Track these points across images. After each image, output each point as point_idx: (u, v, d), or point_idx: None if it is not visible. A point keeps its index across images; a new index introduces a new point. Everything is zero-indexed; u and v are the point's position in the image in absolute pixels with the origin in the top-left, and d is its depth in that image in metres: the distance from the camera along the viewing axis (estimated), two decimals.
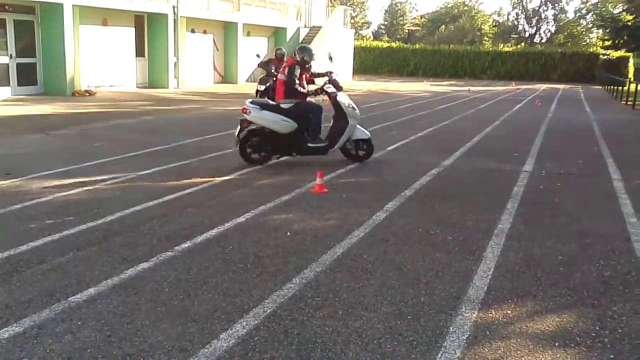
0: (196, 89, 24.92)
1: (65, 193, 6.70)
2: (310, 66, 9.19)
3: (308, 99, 8.91)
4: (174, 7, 24.02)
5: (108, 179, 7.42)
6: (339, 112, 8.73)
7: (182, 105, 18.10)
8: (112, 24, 22.30)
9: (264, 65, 15.75)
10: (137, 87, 23.77)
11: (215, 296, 3.98)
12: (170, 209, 6.11)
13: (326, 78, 8.97)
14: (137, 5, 22.42)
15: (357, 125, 8.81)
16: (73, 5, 19.34)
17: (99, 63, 21.73)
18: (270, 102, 8.79)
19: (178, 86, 24.96)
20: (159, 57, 24.48)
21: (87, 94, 19.82)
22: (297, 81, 8.69)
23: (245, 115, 8.40)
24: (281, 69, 9.08)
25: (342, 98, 8.78)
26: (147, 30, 24.44)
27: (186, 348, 3.30)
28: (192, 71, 26.91)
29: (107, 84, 22.10)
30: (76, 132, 11.59)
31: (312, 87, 9.07)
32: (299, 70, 8.77)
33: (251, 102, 8.55)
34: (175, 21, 24.27)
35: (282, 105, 8.56)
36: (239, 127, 8.54)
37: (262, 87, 15.36)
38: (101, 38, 21.81)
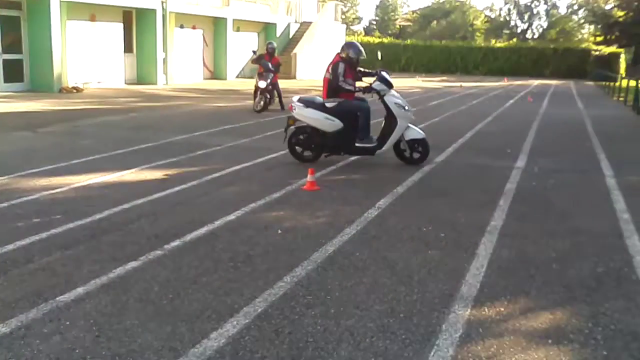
0: (185, 85, 24.82)
1: (53, 191, 6.62)
2: (358, 63, 8.74)
3: (356, 95, 8.59)
4: (162, 2, 23.88)
5: (96, 177, 7.35)
6: (389, 111, 8.36)
7: (171, 101, 18.00)
8: (100, 20, 22.14)
9: (257, 61, 15.52)
10: (125, 83, 23.64)
11: (205, 295, 3.93)
12: (159, 207, 6.05)
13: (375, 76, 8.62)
14: (125, 0, 22.27)
15: (410, 125, 8.45)
16: (60, 1, 19.18)
17: (87, 59, 21.57)
18: (318, 99, 8.58)
19: (167, 82, 24.83)
20: (147, 53, 24.33)
21: (74, 91, 19.66)
22: (342, 78, 8.30)
23: (292, 112, 8.45)
24: (327, 67, 8.68)
25: (391, 97, 8.39)
26: (136, 26, 24.29)
27: (176, 348, 3.25)
28: (181, 67, 26.77)
29: (95, 80, 21.95)
30: (64, 130, 11.49)
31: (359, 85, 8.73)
32: (343, 68, 8.36)
33: (298, 100, 8.50)
34: (164, 16, 24.13)
35: (327, 104, 8.39)
36: (286, 124, 8.62)
37: (264, 84, 15.03)
38: (89, 34, 21.66)
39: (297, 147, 8.56)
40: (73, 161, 8.29)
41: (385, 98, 8.35)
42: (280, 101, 15.71)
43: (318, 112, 8.30)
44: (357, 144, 8.36)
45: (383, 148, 8.37)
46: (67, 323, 3.49)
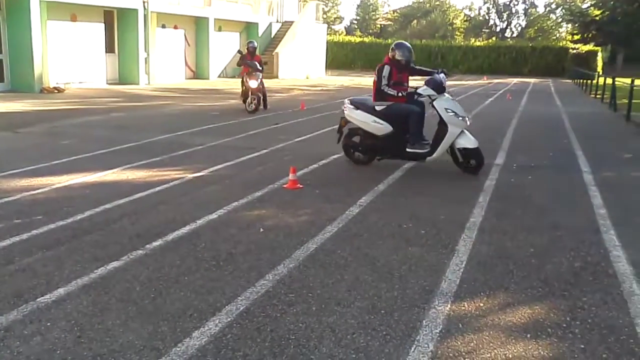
0: (167, 85, 24.70)
1: (34, 192, 6.58)
2: (408, 64, 8.19)
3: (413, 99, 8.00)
4: (144, 2, 23.76)
5: (78, 177, 7.31)
6: (440, 117, 7.80)
7: (153, 101, 17.92)
8: (81, 20, 21.98)
9: (242, 62, 15.24)
10: (107, 83, 23.48)
11: (187, 294, 3.94)
12: (141, 207, 6.04)
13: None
14: (106, 0, 22.11)
15: (465, 132, 7.78)
16: (40, 1, 19.01)
17: (68, 59, 21.39)
18: (370, 101, 8.23)
19: (149, 82, 24.71)
20: (129, 53, 24.20)
21: (55, 91, 19.52)
22: (385, 82, 7.92)
23: (344, 112, 8.34)
24: (376, 69, 8.24)
25: (441, 102, 7.78)
26: (117, 26, 24.14)
27: (158, 347, 3.26)
28: (163, 67, 26.64)
29: (77, 80, 21.78)
30: (45, 130, 11.41)
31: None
32: (388, 71, 7.95)
33: (350, 101, 8.31)
34: (145, 16, 24.01)
35: (376, 107, 8.06)
36: (339, 125, 8.53)
37: (255, 84, 14.73)
38: (70, 34, 21.48)
39: (351, 149, 8.42)
40: (54, 162, 8.24)
41: (435, 103, 7.82)
42: (264, 100, 15.60)
43: (367, 115, 8.05)
44: (408, 149, 7.93)
45: (434, 155, 7.88)
46: (48, 324, 3.48)
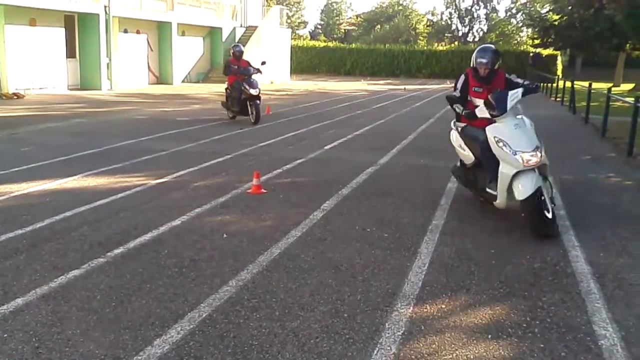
0: (130, 91, 24.41)
1: None
2: (491, 71, 6.33)
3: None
4: (105, 7, 23.48)
5: (38, 185, 7.18)
6: None
7: (116, 107, 17.70)
8: (41, 24, 21.61)
9: (228, 69, 13.81)
10: (68, 89, 23.11)
11: (149, 302, 3.90)
12: (102, 214, 5.96)
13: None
14: (66, 5, 21.79)
15: (526, 173, 5.48)
16: None
17: (28, 65, 21.00)
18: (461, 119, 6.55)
19: (111, 88, 24.40)
20: (90, 58, 23.89)
21: (15, 97, 19.16)
22: (453, 92, 6.37)
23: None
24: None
25: (494, 128, 5.75)
26: (78, 31, 23.82)
27: (119, 356, 3.22)
28: (126, 72, 26.35)
29: (37, 86, 21.39)
30: (4, 137, 11.17)
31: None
32: (462, 80, 6.36)
33: (454, 122, 6.76)
34: (107, 21, 23.73)
35: (458, 127, 6.60)
36: None
37: (256, 91, 13.32)
38: (29, 39, 21.09)
39: (457, 177, 6.99)
40: (13, 169, 8.08)
41: (487, 129, 5.82)
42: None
43: (458, 138, 6.55)
44: (486, 187, 6.07)
45: (498, 200, 5.82)
46: (5, 336, 3.41)
